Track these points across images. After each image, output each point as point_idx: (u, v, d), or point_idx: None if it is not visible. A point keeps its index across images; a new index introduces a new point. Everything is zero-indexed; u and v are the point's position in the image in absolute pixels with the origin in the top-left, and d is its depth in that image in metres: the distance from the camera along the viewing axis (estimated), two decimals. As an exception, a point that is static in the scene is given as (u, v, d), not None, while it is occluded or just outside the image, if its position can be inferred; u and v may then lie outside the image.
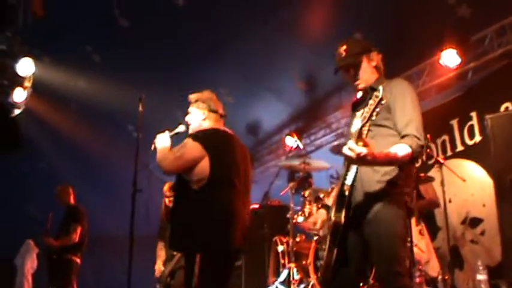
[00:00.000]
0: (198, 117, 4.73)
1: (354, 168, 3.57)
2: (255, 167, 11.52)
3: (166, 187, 6.86)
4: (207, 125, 4.72)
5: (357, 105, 3.90)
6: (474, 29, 7.70)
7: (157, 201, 6.99)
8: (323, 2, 7.61)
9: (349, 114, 4.08)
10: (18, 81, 8.04)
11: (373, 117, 3.34)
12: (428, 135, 6.61)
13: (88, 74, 9.42)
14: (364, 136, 3.33)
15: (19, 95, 8.10)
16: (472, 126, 7.65)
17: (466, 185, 7.46)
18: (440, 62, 7.80)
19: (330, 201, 3.88)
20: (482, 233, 7.32)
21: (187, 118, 4.80)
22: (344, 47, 3.86)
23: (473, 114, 7.61)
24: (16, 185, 10.29)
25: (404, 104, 3.61)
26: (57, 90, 9.47)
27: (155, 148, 4.63)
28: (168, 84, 9.25)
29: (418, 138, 3.49)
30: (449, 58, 7.70)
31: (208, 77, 9.13)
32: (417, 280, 4.99)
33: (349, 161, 3.45)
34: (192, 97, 4.83)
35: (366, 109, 3.37)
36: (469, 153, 7.70)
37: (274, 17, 8.11)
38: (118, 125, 9.69)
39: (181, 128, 4.80)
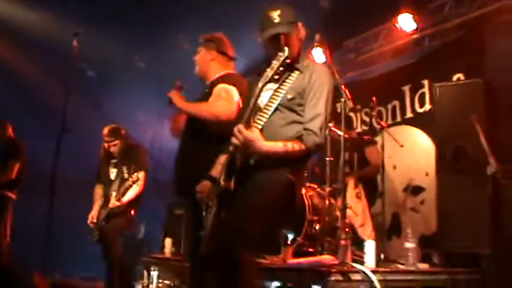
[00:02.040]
0: (206, 57, 4.61)
1: None
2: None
3: (105, 130, 6.76)
4: (215, 66, 4.60)
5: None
6: (435, -5, 7.58)
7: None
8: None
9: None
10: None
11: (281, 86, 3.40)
12: (374, 98, 6.56)
13: (41, 5, 9.10)
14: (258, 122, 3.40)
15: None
16: (423, 94, 7.59)
17: (411, 152, 7.46)
18: (397, 25, 7.70)
19: (214, 170, 3.72)
20: (423, 202, 7.34)
21: (195, 57, 4.67)
22: (278, 12, 3.55)
23: (425, 82, 7.54)
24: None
25: (318, 97, 3.53)
26: (6, 20, 9.19)
27: (173, 104, 4.42)
28: (127, 26, 9.03)
29: (317, 136, 3.45)
30: (406, 22, 7.58)
31: (167, 23, 8.94)
32: (343, 242, 4.93)
33: (234, 145, 3.39)
34: (203, 37, 4.69)
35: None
36: (418, 121, 7.65)
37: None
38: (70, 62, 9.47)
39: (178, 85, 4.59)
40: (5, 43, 9.60)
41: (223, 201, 3.49)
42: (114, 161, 6.74)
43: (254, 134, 3.31)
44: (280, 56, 3.28)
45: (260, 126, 3.43)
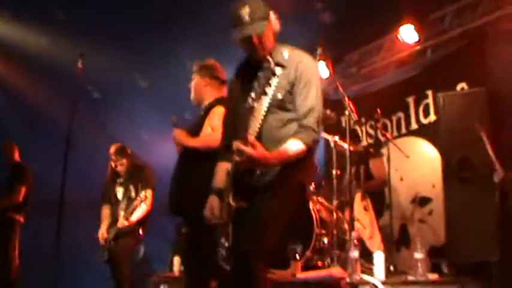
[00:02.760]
0: (201, 84, 4.82)
1: None
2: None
3: (112, 150, 6.77)
4: (209, 91, 4.80)
5: (250, 73, 3.42)
6: (434, 7, 7.60)
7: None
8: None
9: (234, 80, 3.73)
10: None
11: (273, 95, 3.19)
12: (378, 110, 6.56)
13: (50, 31, 9.19)
14: (252, 136, 3.18)
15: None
16: (427, 104, 7.59)
17: (417, 164, 7.45)
18: (399, 37, 7.71)
19: (217, 182, 3.62)
20: (430, 213, 7.31)
21: (190, 85, 4.88)
22: (247, 10, 3.30)
23: (429, 92, 7.54)
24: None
25: (308, 89, 3.36)
26: (16, 45, 9.27)
27: (180, 143, 4.64)
28: (130, 47, 9.09)
29: (315, 132, 3.31)
30: (408, 34, 7.59)
31: (170, 43, 8.99)
32: (351, 254, 4.93)
33: (238, 164, 3.23)
34: (196, 65, 4.91)
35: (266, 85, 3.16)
36: (423, 132, 7.65)
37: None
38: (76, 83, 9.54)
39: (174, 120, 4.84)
40: (16, 68, 9.67)
41: (237, 218, 3.36)
42: (120, 180, 6.73)
43: (257, 151, 3.11)
44: (270, 71, 3.12)
45: (255, 134, 3.23)
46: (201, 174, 4.19)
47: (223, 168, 3.55)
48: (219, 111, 4.51)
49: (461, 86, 7.05)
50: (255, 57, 3.41)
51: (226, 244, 3.37)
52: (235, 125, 3.48)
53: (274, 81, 3.18)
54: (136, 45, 9.07)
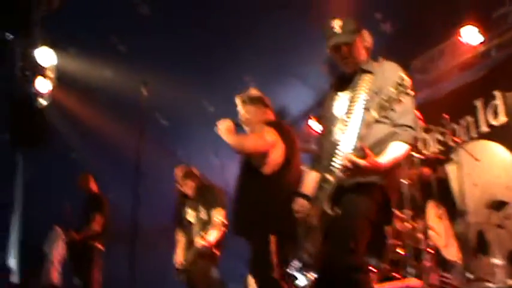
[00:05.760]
0: (257, 114, 4.99)
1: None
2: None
3: (176, 172, 6.84)
4: (264, 119, 4.96)
5: (342, 85, 3.74)
6: (496, 5, 7.39)
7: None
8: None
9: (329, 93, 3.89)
10: (40, 71, 8.16)
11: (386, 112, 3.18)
12: (446, 116, 6.44)
13: (114, 63, 9.46)
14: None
15: (42, 85, 8.21)
16: (496, 106, 7.34)
17: (490, 167, 7.23)
18: (461, 40, 7.56)
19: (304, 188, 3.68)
20: (508, 217, 7.07)
21: (245, 116, 5.00)
22: (339, 23, 3.63)
23: (497, 93, 7.30)
24: (47, 175, 10.39)
25: None
26: (83, 80, 9.56)
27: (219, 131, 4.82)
28: (194, 73, 9.23)
29: (413, 129, 3.39)
30: (470, 35, 7.43)
31: (231, 65, 9.09)
32: (427, 264, 4.85)
33: (348, 174, 3.25)
34: (247, 96, 5.07)
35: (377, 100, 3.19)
36: (493, 134, 7.37)
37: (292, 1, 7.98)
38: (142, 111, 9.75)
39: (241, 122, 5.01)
40: (85, 102, 9.97)
41: (330, 227, 3.39)
42: (190, 202, 6.76)
43: (370, 161, 3.18)
44: (359, 79, 3.28)
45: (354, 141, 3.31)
46: (261, 193, 4.52)
47: (312, 177, 3.70)
48: (262, 127, 4.77)
49: (530, 84, 6.83)
50: (345, 68, 3.70)
51: (312, 251, 3.43)
52: (326, 135, 3.64)
53: (363, 87, 3.41)
54: (198, 70, 9.22)
